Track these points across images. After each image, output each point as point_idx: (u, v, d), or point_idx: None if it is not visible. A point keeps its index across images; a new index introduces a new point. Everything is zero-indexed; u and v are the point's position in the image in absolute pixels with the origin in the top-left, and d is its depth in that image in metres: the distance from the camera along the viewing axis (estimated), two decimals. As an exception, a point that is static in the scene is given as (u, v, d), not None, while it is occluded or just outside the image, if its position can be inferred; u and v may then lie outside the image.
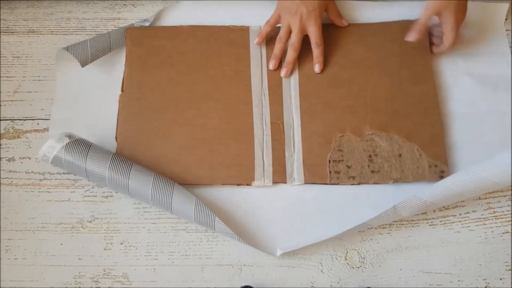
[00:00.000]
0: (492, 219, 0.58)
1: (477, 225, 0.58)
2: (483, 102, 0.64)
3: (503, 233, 0.58)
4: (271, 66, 0.64)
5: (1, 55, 0.68)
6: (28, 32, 0.70)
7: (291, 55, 0.63)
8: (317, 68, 0.64)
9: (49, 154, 0.56)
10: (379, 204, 0.57)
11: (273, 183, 0.59)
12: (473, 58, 0.66)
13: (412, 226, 0.58)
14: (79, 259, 0.57)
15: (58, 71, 0.66)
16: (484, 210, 0.59)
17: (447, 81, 0.65)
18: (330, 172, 0.59)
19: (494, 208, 0.59)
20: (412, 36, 0.62)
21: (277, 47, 0.64)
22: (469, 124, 0.62)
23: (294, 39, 0.63)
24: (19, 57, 0.68)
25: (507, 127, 0.62)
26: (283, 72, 0.64)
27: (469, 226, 0.58)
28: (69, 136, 0.57)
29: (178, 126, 0.62)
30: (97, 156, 0.56)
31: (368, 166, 0.60)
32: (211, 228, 0.55)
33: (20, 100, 0.65)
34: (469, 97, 0.64)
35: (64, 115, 0.64)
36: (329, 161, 0.60)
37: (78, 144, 0.56)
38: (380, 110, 0.62)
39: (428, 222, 0.58)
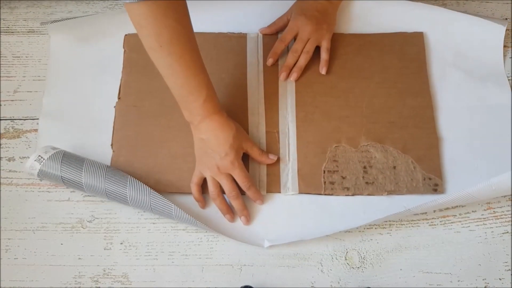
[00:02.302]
0: (492, 219, 0.58)
1: (477, 225, 0.58)
2: (471, 96, 0.64)
3: (503, 233, 0.58)
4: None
5: (2, 55, 0.68)
6: (28, 32, 0.70)
7: (237, 203, 0.57)
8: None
9: (33, 171, 0.57)
10: (373, 216, 0.57)
11: (267, 192, 0.59)
12: (462, 52, 0.66)
13: (412, 226, 0.58)
14: (79, 259, 0.57)
15: (51, 77, 0.66)
16: (484, 210, 0.59)
17: (435, 75, 0.65)
18: (325, 182, 0.59)
19: (494, 208, 0.59)
20: (263, 30, 0.67)
21: (217, 202, 0.58)
22: (457, 118, 0.63)
23: (228, 188, 0.57)
24: (19, 57, 0.68)
25: (495, 121, 0.62)
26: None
27: (469, 226, 0.58)
28: (46, 152, 0.57)
29: (174, 133, 0.62)
30: (71, 165, 0.56)
31: (363, 177, 0.60)
32: (193, 224, 0.56)
33: (20, 100, 0.65)
34: (457, 90, 0.64)
35: (60, 122, 0.63)
36: (324, 171, 0.60)
37: (54, 158, 0.56)
38: (376, 121, 0.62)
39: (428, 222, 0.58)
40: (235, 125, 0.58)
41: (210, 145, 0.57)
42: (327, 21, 0.64)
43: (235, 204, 0.57)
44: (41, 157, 0.56)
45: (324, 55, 0.64)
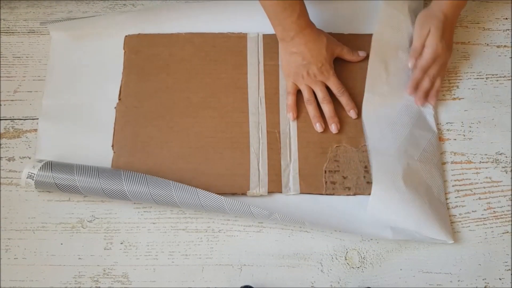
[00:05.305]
0: (492, 219, 0.58)
1: (477, 225, 0.58)
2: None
3: (503, 233, 0.58)
4: (320, 128, 0.61)
5: (2, 55, 0.68)
6: (28, 32, 0.70)
7: (329, 108, 0.61)
8: (352, 114, 0.62)
9: (30, 187, 0.57)
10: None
11: (268, 192, 0.59)
12: None
13: (412, 226, 0.58)
14: (79, 259, 0.57)
15: (51, 77, 0.66)
16: (484, 210, 0.59)
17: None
18: (326, 182, 0.59)
19: (494, 208, 0.59)
20: (412, 63, 0.63)
21: (311, 108, 0.62)
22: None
23: (322, 94, 0.62)
24: (19, 57, 0.68)
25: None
26: (334, 128, 0.61)
27: (469, 226, 0.58)
28: (33, 166, 0.56)
29: (175, 134, 0.62)
30: (62, 171, 0.56)
31: (364, 177, 0.60)
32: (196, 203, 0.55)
33: (20, 100, 0.65)
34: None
35: (59, 123, 0.63)
36: (325, 171, 0.60)
37: (44, 169, 0.56)
38: None
39: (428, 222, 0.58)
40: (326, 35, 0.63)
41: (306, 58, 0.61)
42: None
43: (328, 108, 0.61)
44: (31, 173, 0.56)
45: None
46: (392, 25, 0.65)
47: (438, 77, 0.63)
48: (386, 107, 0.62)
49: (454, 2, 0.61)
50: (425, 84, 0.62)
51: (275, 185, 0.59)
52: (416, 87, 0.63)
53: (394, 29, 0.65)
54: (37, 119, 0.64)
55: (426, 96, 0.63)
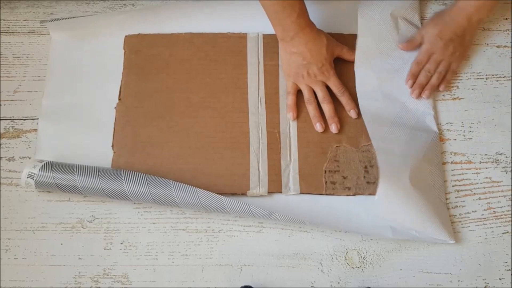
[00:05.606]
0: (492, 219, 0.58)
1: (477, 225, 0.58)
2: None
3: (503, 233, 0.58)
4: (320, 128, 0.61)
5: (2, 55, 0.68)
6: (28, 32, 0.70)
7: (329, 108, 0.62)
8: (352, 114, 0.62)
9: (30, 187, 0.57)
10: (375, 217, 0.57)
11: (268, 192, 0.59)
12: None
13: (412, 226, 0.58)
14: (79, 259, 0.57)
15: (51, 77, 0.66)
16: (484, 210, 0.59)
17: None
18: (326, 182, 0.59)
19: (494, 208, 0.59)
20: (403, 46, 0.65)
21: (311, 108, 0.62)
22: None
23: (322, 94, 0.62)
24: (19, 57, 0.68)
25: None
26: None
27: (469, 226, 0.58)
28: (34, 166, 0.57)
29: (175, 134, 0.62)
30: (63, 171, 0.56)
31: (364, 177, 0.60)
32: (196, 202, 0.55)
33: (20, 100, 0.65)
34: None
35: (59, 123, 0.63)
36: (325, 171, 0.60)
37: (45, 169, 0.56)
38: None
39: (428, 222, 0.58)
40: (325, 35, 0.63)
41: (306, 58, 0.61)
42: (463, 45, 0.64)
43: (328, 108, 0.62)
44: (32, 173, 0.56)
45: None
46: (373, 34, 0.65)
47: (435, 74, 0.63)
48: (383, 111, 0.62)
49: (467, 13, 0.62)
50: (421, 78, 0.63)
51: (275, 185, 0.59)
52: (413, 79, 0.63)
53: (376, 37, 0.65)
54: (37, 119, 0.64)
55: (421, 90, 0.63)
